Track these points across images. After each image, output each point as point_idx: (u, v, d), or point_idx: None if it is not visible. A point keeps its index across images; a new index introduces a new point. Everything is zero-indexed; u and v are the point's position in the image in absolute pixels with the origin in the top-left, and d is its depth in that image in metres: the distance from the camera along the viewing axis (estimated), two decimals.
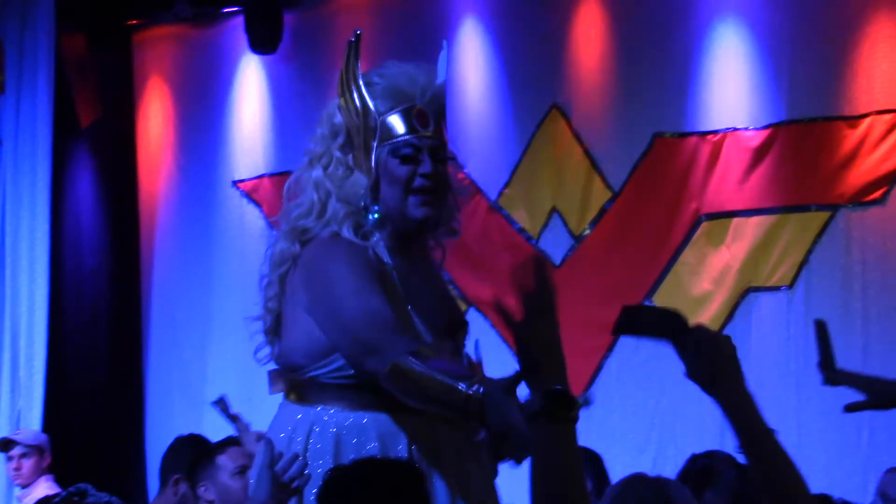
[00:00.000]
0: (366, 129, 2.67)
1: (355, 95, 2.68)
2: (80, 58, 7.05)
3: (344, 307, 2.53)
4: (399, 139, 2.66)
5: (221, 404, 3.88)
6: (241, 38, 6.83)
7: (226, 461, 3.67)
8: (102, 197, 7.24)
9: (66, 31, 6.87)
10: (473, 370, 2.61)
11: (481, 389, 2.30)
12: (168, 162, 7.28)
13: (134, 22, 7.29)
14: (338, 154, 2.71)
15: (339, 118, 2.72)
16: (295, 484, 2.51)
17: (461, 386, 2.33)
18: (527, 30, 6.50)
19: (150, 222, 7.25)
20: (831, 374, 2.88)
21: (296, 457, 2.53)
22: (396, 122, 2.67)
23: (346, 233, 2.66)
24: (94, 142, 7.21)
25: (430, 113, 2.70)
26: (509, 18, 6.54)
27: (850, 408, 2.85)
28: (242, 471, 3.61)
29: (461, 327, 2.78)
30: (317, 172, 2.72)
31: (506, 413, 2.24)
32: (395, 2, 6.81)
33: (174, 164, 7.26)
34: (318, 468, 2.55)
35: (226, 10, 7.07)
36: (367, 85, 2.68)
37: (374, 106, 2.67)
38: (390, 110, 2.68)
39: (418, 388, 2.41)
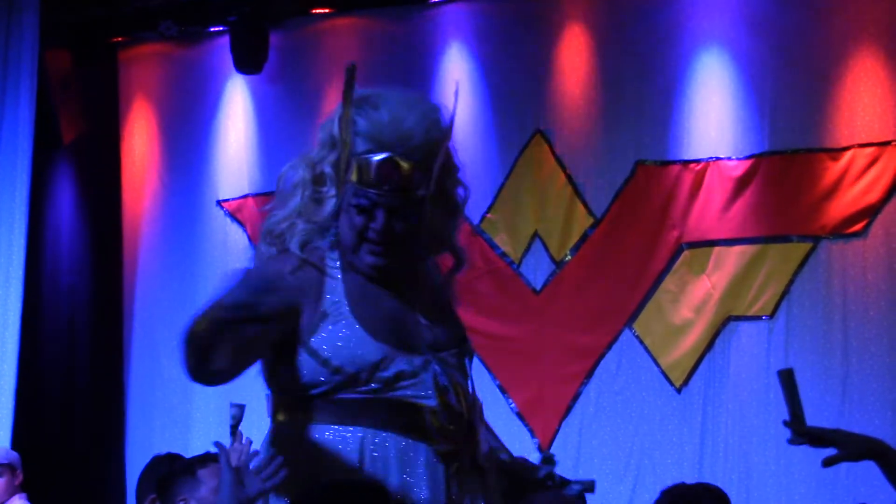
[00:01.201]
0: (346, 160, 2.63)
1: (343, 126, 2.63)
2: (64, 73, 7.04)
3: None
4: (360, 188, 2.62)
5: (239, 412, 3.80)
6: (227, 58, 6.83)
7: (207, 476, 3.62)
8: (84, 213, 7.21)
9: (51, 46, 6.85)
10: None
11: None
12: (152, 180, 7.25)
13: (119, 39, 7.27)
14: (328, 169, 2.67)
15: (336, 129, 2.67)
16: (268, 484, 2.52)
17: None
18: (511, 56, 6.52)
19: (133, 240, 7.22)
20: (801, 429, 2.76)
21: (273, 457, 2.54)
22: (364, 170, 2.61)
23: (293, 247, 2.66)
24: (77, 157, 7.19)
25: (408, 163, 2.61)
26: (494, 44, 6.56)
27: (828, 462, 2.80)
28: None
29: (451, 347, 2.73)
30: (305, 175, 2.69)
31: None
32: (380, 25, 6.82)
33: (159, 182, 7.24)
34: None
35: (211, 29, 7.07)
36: (355, 119, 2.62)
37: (355, 144, 2.62)
38: (365, 153, 2.61)
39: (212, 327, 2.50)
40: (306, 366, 2.60)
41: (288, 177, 2.73)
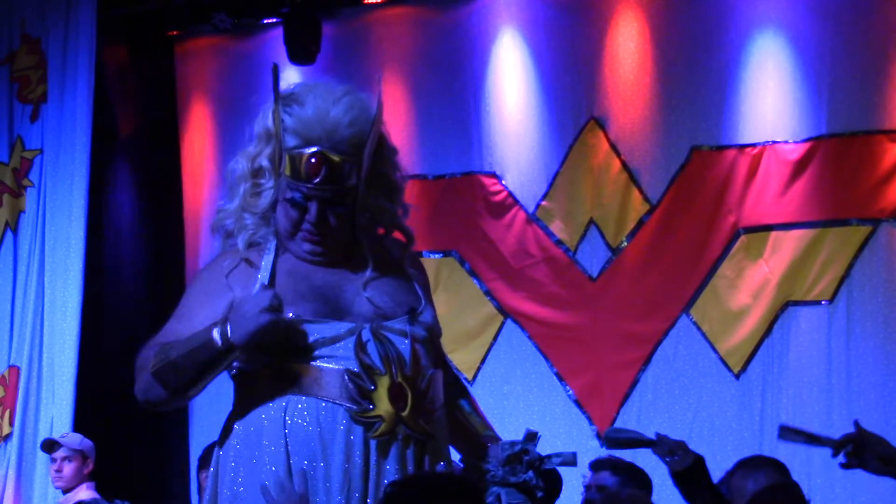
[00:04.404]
0: (279, 154, 2.74)
1: (274, 120, 2.75)
2: (121, 67, 7.12)
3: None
4: (292, 182, 2.72)
5: None
6: (281, 50, 6.86)
7: None
8: (143, 205, 7.26)
9: (107, 40, 6.93)
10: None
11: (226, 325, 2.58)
12: (211, 173, 7.29)
13: (175, 33, 7.34)
14: (265, 162, 2.79)
15: (271, 123, 2.78)
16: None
17: (209, 332, 2.61)
18: (565, 42, 6.50)
19: (194, 233, 7.24)
20: (842, 444, 2.77)
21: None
22: (294, 164, 2.71)
23: (240, 244, 2.81)
24: (135, 150, 7.25)
25: (337, 155, 2.70)
26: (547, 31, 6.54)
27: (848, 465, 2.80)
28: None
29: (397, 315, 2.77)
30: (245, 170, 2.81)
31: (248, 322, 2.54)
32: (433, 14, 6.83)
33: (217, 174, 7.28)
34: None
35: (265, 21, 7.11)
36: (284, 112, 2.73)
37: (285, 139, 2.73)
38: (294, 148, 2.72)
39: (177, 360, 2.71)
40: None
41: (232, 172, 2.87)
